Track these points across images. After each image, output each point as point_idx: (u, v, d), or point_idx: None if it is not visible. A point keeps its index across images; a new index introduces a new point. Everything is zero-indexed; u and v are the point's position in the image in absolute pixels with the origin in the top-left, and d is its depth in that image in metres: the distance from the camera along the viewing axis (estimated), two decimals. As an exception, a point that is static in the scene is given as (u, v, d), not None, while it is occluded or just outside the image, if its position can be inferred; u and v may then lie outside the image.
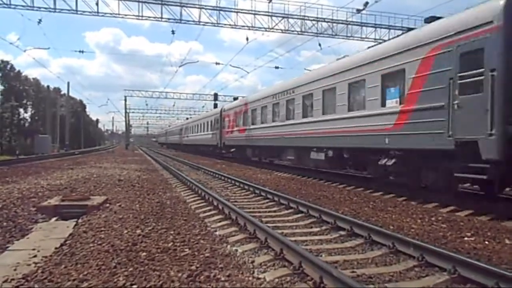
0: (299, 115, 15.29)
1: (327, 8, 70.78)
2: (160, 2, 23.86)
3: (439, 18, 9.11)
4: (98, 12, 23.06)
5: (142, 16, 24.21)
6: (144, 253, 4.64)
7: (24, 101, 49.55)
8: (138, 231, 5.77)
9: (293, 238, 5.39)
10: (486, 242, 5.48)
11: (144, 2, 23.72)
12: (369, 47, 12.56)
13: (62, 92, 58.60)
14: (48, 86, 54.40)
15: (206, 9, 24.98)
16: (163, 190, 10.93)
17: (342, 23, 26.20)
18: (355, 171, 13.74)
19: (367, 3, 21.73)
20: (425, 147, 8.59)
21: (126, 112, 66.13)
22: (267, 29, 25.57)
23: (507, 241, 5.55)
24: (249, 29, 25.38)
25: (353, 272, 4.13)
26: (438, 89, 8.13)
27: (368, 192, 10.78)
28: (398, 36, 11.53)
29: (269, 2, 24.45)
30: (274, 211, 7.90)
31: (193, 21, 24.69)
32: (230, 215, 6.87)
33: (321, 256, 4.73)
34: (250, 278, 3.92)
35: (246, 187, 11.28)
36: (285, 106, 16.71)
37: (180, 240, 5.28)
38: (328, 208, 7.47)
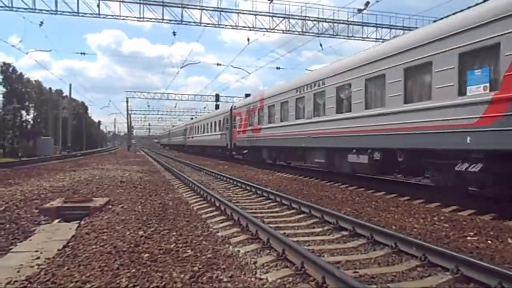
0: (331, 111, 12.86)
1: (328, 8, 70.78)
2: (161, 3, 23.96)
3: None
4: (99, 14, 23.21)
5: (143, 18, 24.35)
6: (147, 255, 4.65)
7: (26, 103, 49.58)
8: (141, 233, 5.78)
9: (295, 239, 5.39)
10: (489, 242, 5.47)
11: (145, 3, 23.83)
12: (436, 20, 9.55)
13: (64, 94, 58.73)
14: (50, 88, 54.45)
15: (207, 10, 25.10)
16: (165, 191, 10.94)
17: (343, 23, 26.27)
18: (406, 177, 12.30)
19: (368, 3, 21.76)
20: None
21: (128, 113, 66.47)
22: (268, 30, 25.65)
23: (510, 241, 5.53)
24: (250, 29, 25.47)
25: (355, 272, 4.12)
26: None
27: (370, 192, 10.77)
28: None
29: (270, 3, 24.56)
30: (276, 212, 7.90)
31: (194, 22, 24.80)
32: (232, 216, 6.88)
33: (323, 256, 4.73)
34: (253, 279, 3.92)
35: (248, 187, 11.28)
36: (313, 100, 14.27)
37: (182, 241, 5.29)
38: (330, 208, 7.47)
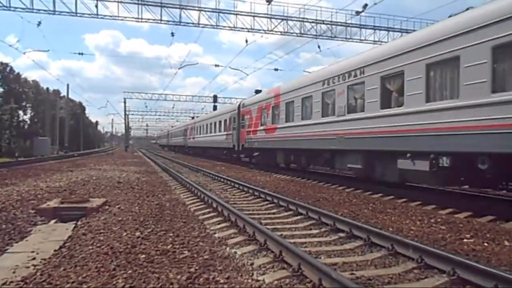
0: (374, 106, 10.60)
1: (326, 10, 71.29)
2: (159, 4, 23.97)
3: None
4: (97, 14, 23.17)
5: (141, 18, 24.31)
6: (143, 256, 4.64)
7: (24, 103, 49.53)
8: (137, 233, 5.77)
9: (292, 240, 5.39)
10: (485, 244, 5.48)
11: (144, 4, 23.80)
12: None
13: (62, 94, 58.77)
14: (47, 88, 54.60)
15: (205, 11, 25.07)
16: (163, 192, 10.92)
17: (341, 25, 26.35)
18: (487, 189, 9.78)
19: (366, 5, 21.87)
20: None
21: (125, 114, 66.22)
22: (267, 31, 25.68)
23: (506, 243, 5.55)
24: (249, 31, 25.49)
25: (352, 274, 4.13)
26: None
27: (367, 194, 10.78)
28: None
29: (268, 4, 24.54)
30: (273, 213, 7.90)
31: (193, 23, 24.77)
32: (229, 217, 6.87)
33: (320, 258, 4.73)
34: (249, 280, 3.92)
35: (245, 189, 11.27)
36: (346, 94, 11.98)
37: (179, 242, 5.28)
38: (328, 210, 7.47)
